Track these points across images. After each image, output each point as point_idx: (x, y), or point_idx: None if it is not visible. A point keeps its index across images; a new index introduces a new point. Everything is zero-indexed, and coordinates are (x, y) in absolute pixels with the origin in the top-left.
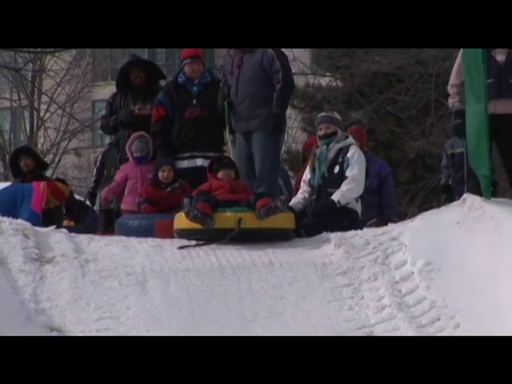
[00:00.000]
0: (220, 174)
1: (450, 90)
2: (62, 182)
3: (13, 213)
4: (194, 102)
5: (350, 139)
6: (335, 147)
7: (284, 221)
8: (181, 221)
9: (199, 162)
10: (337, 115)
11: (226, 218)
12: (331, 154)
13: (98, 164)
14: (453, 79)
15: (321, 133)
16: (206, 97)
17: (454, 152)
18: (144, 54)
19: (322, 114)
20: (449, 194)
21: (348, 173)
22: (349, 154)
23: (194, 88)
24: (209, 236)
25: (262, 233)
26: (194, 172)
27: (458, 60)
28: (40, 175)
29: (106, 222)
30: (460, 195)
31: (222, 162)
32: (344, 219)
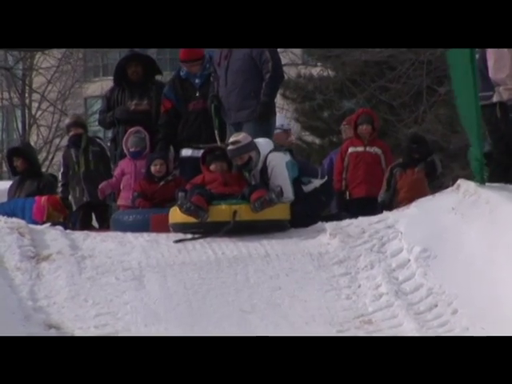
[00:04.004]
0: (212, 167)
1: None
2: (53, 177)
3: None
4: (197, 94)
5: (265, 150)
6: (257, 171)
7: (279, 212)
8: (175, 215)
9: None
10: (243, 141)
11: (221, 211)
12: (257, 179)
13: (62, 168)
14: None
15: (239, 165)
16: (209, 88)
17: None
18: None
19: (229, 147)
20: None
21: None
22: (268, 170)
23: (197, 80)
24: (204, 229)
25: (257, 225)
26: (198, 161)
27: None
28: (35, 174)
29: (83, 219)
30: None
31: (214, 154)
32: (320, 196)
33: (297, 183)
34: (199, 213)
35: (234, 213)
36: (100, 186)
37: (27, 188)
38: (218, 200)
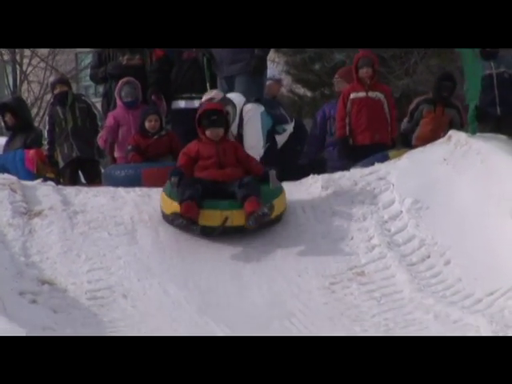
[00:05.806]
0: (208, 133)
1: None
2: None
3: None
4: None
5: (240, 103)
6: (235, 127)
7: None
8: (167, 205)
9: (197, 103)
10: (216, 97)
11: (213, 217)
12: (234, 135)
13: (48, 126)
14: None
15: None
16: None
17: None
18: None
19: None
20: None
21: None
22: (244, 121)
23: None
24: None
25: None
26: (191, 113)
27: None
28: (24, 129)
29: (72, 175)
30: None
31: (210, 119)
32: (296, 147)
33: (271, 136)
34: (191, 227)
35: (225, 219)
36: (101, 144)
37: (16, 143)
38: (210, 190)
